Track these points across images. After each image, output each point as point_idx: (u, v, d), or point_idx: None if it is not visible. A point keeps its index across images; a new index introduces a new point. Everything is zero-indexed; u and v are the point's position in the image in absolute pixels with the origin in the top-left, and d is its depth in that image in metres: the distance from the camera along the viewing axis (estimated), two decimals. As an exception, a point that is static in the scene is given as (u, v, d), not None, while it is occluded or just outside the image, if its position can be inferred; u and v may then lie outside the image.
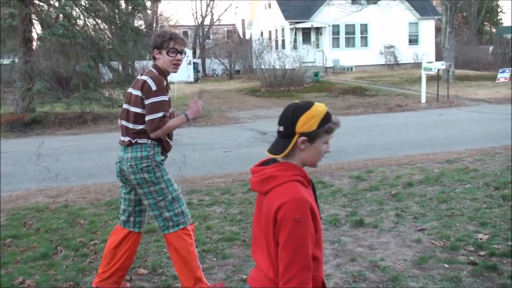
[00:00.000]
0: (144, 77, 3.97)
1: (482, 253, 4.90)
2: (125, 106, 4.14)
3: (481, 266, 4.57)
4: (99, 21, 18.97)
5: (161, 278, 4.71)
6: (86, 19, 18.54)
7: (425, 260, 4.78)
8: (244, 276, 4.63)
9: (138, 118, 3.97)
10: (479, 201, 6.63)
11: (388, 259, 4.88)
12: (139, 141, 3.98)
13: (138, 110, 3.97)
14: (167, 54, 4.01)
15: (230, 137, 13.82)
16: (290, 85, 27.50)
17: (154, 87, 3.92)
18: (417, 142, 11.82)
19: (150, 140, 4.00)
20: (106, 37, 19.40)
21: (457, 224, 5.79)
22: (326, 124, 2.21)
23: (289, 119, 2.20)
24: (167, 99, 4.01)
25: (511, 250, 4.89)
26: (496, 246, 5.04)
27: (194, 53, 48.39)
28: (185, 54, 4.16)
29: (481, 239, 5.26)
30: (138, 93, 3.96)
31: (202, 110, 4.23)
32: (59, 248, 5.59)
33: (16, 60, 18.63)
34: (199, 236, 5.70)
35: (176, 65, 4.08)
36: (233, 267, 4.88)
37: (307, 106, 2.23)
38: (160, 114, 3.91)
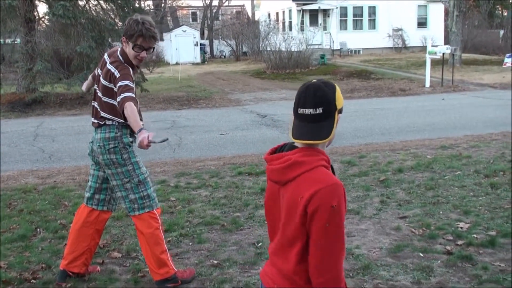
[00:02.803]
0: (108, 66, 3.96)
1: (460, 242, 4.83)
2: (96, 87, 4.12)
3: (456, 256, 4.51)
4: (101, 1, 18.84)
5: (134, 262, 4.69)
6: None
7: (400, 249, 4.72)
8: (215, 262, 4.59)
9: (106, 106, 3.99)
10: (467, 189, 6.55)
11: (364, 247, 4.82)
12: (107, 122, 4.00)
13: (106, 99, 3.98)
14: (132, 49, 3.92)
15: (228, 120, 13.75)
16: (295, 68, 27.33)
17: (117, 74, 3.90)
18: (416, 127, 11.71)
19: (117, 122, 3.99)
20: (108, 17, 19.27)
21: (440, 212, 5.72)
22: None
23: (328, 98, 2.06)
24: (131, 84, 3.91)
25: (489, 240, 4.82)
26: (475, 235, 4.97)
27: (202, 34, 48.24)
28: (153, 50, 4.09)
29: (461, 228, 5.19)
30: (106, 83, 3.95)
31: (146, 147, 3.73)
32: (38, 229, 5.59)
33: (18, 40, 18.59)
34: (179, 220, 5.67)
35: (139, 61, 4.02)
36: (207, 252, 4.85)
37: (332, 84, 2.12)
38: (127, 81, 3.87)
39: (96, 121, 4.06)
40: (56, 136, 12.10)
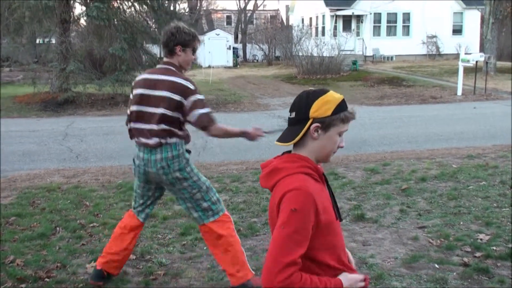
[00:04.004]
0: (172, 78, 3.88)
1: (478, 254, 4.74)
2: (137, 108, 3.99)
3: (473, 268, 4.42)
4: (135, 3, 19.08)
5: (147, 264, 4.72)
6: (121, 0, 18.66)
7: (416, 259, 4.65)
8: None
9: (164, 119, 3.88)
10: (491, 200, 6.42)
11: (379, 256, 4.77)
12: (169, 141, 3.91)
13: (169, 112, 3.87)
14: (192, 53, 4.01)
15: (255, 124, 13.74)
16: (327, 73, 27.19)
17: (192, 86, 3.88)
18: (444, 135, 11.54)
19: (179, 139, 3.95)
20: (141, 19, 19.52)
21: (461, 223, 5.62)
22: (342, 112, 2.10)
23: (302, 104, 2.09)
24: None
25: (509, 252, 4.71)
26: (494, 247, 4.86)
27: (236, 38, 48.41)
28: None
29: (481, 239, 5.09)
30: (169, 94, 3.85)
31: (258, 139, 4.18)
32: (58, 228, 5.67)
33: (53, 40, 18.96)
34: (196, 224, 5.68)
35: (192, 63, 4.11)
36: (220, 257, 4.84)
37: (323, 91, 2.12)
38: (207, 109, 3.91)
39: (151, 141, 3.91)
40: (84, 136, 12.28)
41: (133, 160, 4.13)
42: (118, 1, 18.75)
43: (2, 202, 6.71)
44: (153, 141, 3.90)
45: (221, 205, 4.18)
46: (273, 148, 10.55)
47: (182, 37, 3.94)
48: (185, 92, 3.85)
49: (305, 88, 2.39)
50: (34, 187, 7.53)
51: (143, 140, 3.95)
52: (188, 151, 4.08)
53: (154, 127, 3.90)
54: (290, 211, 1.96)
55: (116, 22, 17.59)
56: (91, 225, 5.79)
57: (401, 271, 4.44)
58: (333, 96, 2.10)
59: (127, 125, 4.13)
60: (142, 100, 3.95)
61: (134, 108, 4.00)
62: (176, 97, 3.84)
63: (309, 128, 2.08)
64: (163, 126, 3.87)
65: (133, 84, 4.12)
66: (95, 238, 5.42)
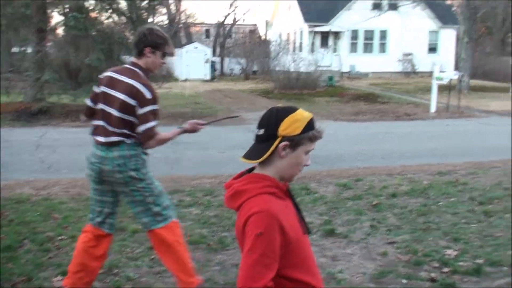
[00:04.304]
0: (131, 81, 3.87)
1: (445, 269, 4.78)
2: (102, 106, 3.96)
3: (440, 283, 4.46)
4: (113, 15, 19.02)
5: (114, 278, 4.67)
6: (100, 11, 18.58)
7: (384, 275, 4.68)
8: (195, 281, 4.57)
9: (121, 120, 3.89)
10: (459, 216, 6.49)
11: (347, 272, 4.78)
12: (126, 140, 3.91)
13: (127, 116, 3.88)
14: (161, 57, 4.01)
15: (229, 138, 13.77)
16: (303, 88, 27.34)
17: (148, 95, 3.87)
18: (417, 152, 11.66)
19: (134, 139, 3.94)
20: (119, 31, 19.46)
21: (430, 239, 5.66)
22: (310, 131, 2.10)
23: (271, 121, 2.09)
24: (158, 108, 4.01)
25: (475, 268, 4.76)
26: (461, 263, 4.91)
27: (214, 51, 48.50)
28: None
29: (449, 255, 5.14)
30: (127, 99, 3.84)
31: (198, 131, 4.21)
32: (25, 241, 5.59)
33: (29, 49, 18.79)
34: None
35: (161, 68, 4.12)
36: (189, 271, 4.81)
37: (292, 109, 2.12)
38: (154, 123, 3.92)
39: (107, 139, 3.91)
40: (57, 147, 12.14)
41: (88, 159, 4.08)
42: (96, 12, 18.66)
43: (-31, 213, 6.60)
44: (111, 139, 3.90)
45: (171, 211, 4.18)
46: (246, 164, 10.49)
47: (153, 39, 3.94)
48: (141, 99, 3.85)
49: (281, 103, 2.40)
50: (3, 199, 7.40)
51: (102, 138, 3.94)
52: (145, 153, 4.08)
53: (112, 126, 3.90)
54: (255, 236, 1.97)
55: (93, 33, 17.50)
56: (59, 238, 5.71)
57: (369, 286, 4.46)
58: (302, 115, 2.11)
59: (86, 115, 4.14)
60: (104, 98, 3.95)
61: (98, 106, 4.00)
62: (132, 101, 3.85)
63: (277, 146, 2.07)
64: (120, 127, 3.88)
65: (99, 79, 4.08)
66: (62, 251, 5.34)
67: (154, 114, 3.93)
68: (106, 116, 3.93)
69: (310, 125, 2.10)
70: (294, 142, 2.08)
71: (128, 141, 3.91)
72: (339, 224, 6.20)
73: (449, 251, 5.25)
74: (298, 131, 2.07)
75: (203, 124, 4.20)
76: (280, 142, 2.07)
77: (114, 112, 3.89)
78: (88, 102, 4.10)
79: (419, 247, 5.40)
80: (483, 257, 5.08)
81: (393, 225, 6.15)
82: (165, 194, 4.18)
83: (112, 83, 3.93)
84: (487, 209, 6.70)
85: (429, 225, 6.12)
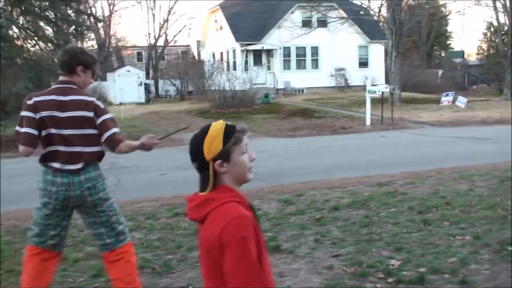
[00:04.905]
0: (82, 97, 3.85)
1: (390, 280, 4.83)
2: (55, 131, 3.81)
3: (386, 293, 4.50)
4: (39, 42, 18.56)
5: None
6: (24, 39, 18.09)
7: (331, 288, 4.68)
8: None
9: (87, 138, 3.84)
10: (400, 226, 6.60)
11: (295, 287, 4.76)
12: (91, 161, 3.86)
13: (86, 131, 3.84)
14: (91, 77, 3.99)
15: (170, 159, 13.61)
16: (240, 107, 27.46)
17: (102, 105, 3.91)
18: (355, 164, 11.85)
19: (96, 158, 3.92)
20: (48, 57, 18.99)
21: (373, 250, 5.73)
22: (231, 136, 2.12)
23: (196, 151, 2.13)
24: None
25: (418, 277, 4.84)
26: (405, 272, 4.98)
27: (148, 74, 48.11)
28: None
29: (392, 265, 5.20)
30: (82, 113, 3.81)
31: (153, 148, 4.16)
32: (-43, 279, 5.30)
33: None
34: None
35: (87, 86, 4.06)
36: (134, 299, 4.68)
37: (205, 131, 2.14)
38: (116, 129, 3.95)
39: (76, 166, 3.79)
40: (-12, 179, 11.65)
41: (43, 189, 3.88)
42: (21, 39, 18.15)
43: None
44: (78, 165, 3.80)
45: (127, 229, 4.19)
46: (189, 183, 10.45)
47: (85, 58, 3.90)
48: (96, 110, 3.85)
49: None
50: None
51: (65, 165, 3.79)
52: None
53: (76, 149, 3.80)
54: (241, 240, 1.96)
55: (19, 61, 17.00)
56: (-4, 273, 5.45)
57: (317, 301, 4.46)
58: (215, 128, 2.14)
59: (27, 145, 3.81)
60: (54, 122, 3.80)
61: (46, 132, 3.82)
62: (90, 114, 3.83)
63: (214, 169, 2.10)
64: (85, 148, 3.83)
65: (30, 104, 3.82)
66: (1, 286, 5.10)
67: (113, 122, 3.94)
68: (64, 139, 3.81)
69: (228, 133, 2.14)
70: (224, 156, 2.11)
71: (92, 161, 3.87)
72: (284, 240, 6.19)
73: (392, 261, 5.32)
74: (220, 145, 2.11)
75: (158, 139, 4.16)
76: (213, 164, 2.11)
77: (73, 131, 3.81)
78: (29, 130, 3.81)
79: (363, 258, 5.45)
80: (426, 265, 5.17)
81: (337, 238, 6.19)
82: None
83: (60, 105, 3.81)
84: (426, 218, 6.85)
85: (372, 236, 6.20)
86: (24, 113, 3.85)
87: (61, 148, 3.82)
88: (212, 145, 2.10)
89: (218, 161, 2.10)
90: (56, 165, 3.81)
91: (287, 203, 8.02)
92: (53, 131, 3.81)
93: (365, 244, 5.92)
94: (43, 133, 3.84)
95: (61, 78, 3.92)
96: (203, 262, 2.16)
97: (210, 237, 2.05)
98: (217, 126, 2.14)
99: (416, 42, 52.70)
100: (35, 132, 3.82)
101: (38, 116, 3.81)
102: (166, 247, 6.13)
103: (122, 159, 13.42)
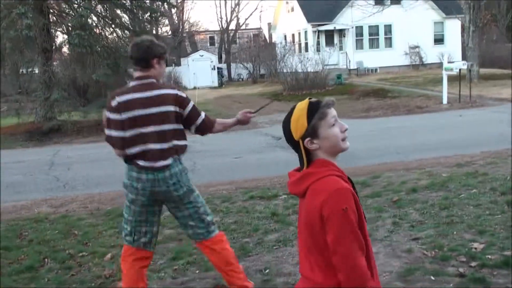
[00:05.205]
0: (164, 91, 3.85)
1: (473, 264, 4.67)
2: (140, 130, 3.80)
3: (469, 278, 4.36)
4: (117, 29, 19.08)
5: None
6: (103, 27, 18.64)
7: (411, 272, 4.58)
8: (220, 291, 4.51)
9: (172, 134, 3.86)
10: (482, 208, 6.37)
11: (374, 271, 4.69)
12: (175, 156, 3.89)
13: (173, 126, 3.86)
14: (166, 65, 4.06)
15: (243, 143, 13.73)
16: (312, 88, 27.23)
17: (184, 95, 3.97)
18: (432, 145, 11.54)
19: (178, 151, 3.93)
20: (124, 44, 19.50)
21: (454, 233, 5.56)
22: (315, 113, 2.16)
23: (286, 134, 2.22)
24: None
25: (504, 260, 4.66)
26: (489, 256, 4.80)
27: (220, 58, 48.54)
28: None
29: (475, 248, 5.03)
30: (167, 108, 3.81)
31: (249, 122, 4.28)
32: (46, 260, 5.56)
33: (36, 69, 18.91)
34: (187, 247, 5.60)
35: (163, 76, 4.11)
36: (213, 280, 4.76)
37: (290, 112, 2.22)
38: (204, 114, 4.09)
39: (163, 163, 3.82)
40: (71, 164, 12.17)
41: (129, 185, 3.90)
42: (99, 28, 18.72)
43: (-12, 236, 6.59)
44: (165, 162, 3.82)
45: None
46: (262, 167, 10.55)
47: (158, 50, 3.90)
48: (181, 102, 3.89)
49: (291, 105, 2.46)
50: (21, 219, 7.41)
51: (149, 162, 3.81)
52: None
53: (164, 146, 3.82)
54: (342, 212, 2.02)
55: (98, 49, 17.55)
56: (80, 254, 5.68)
57: (397, 285, 4.37)
58: (299, 108, 2.19)
59: (120, 148, 3.85)
60: (142, 121, 3.79)
61: (133, 131, 3.80)
62: (175, 108, 3.85)
63: (305, 147, 2.17)
64: (174, 142, 3.86)
65: (114, 106, 3.81)
66: (84, 267, 5.31)
67: (197, 107, 4.03)
68: (149, 136, 3.80)
69: (311, 110, 2.17)
70: (312, 132, 2.16)
71: (175, 156, 3.88)
72: (361, 223, 6.11)
73: (475, 244, 5.14)
74: (305, 123, 2.16)
75: (252, 113, 4.20)
76: (303, 143, 2.17)
77: (164, 127, 3.82)
78: (117, 134, 3.80)
79: (444, 242, 5.30)
80: (511, 249, 4.97)
81: (415, 221, 6.05)
82: None
83: (143, 103, 3.78)
84: (509, 199, 6.57)
85: (452, 219, 6.01)
86: (109, 114, 3.83)
87: (146, 146, 3.81)
88: (298, 125, 2.17)
89: (307, 139, 2.16)
90: (141, 162, 3.82)
91: (363, 186, 7.92)
92: (137, 129, 3.80)
93: (446, 227, 5.75)
94: (128, 132, 3.81)
95: (138, 74, 3.89)
96: (301, 235, 2.22)
97: (310, 210, 2.11)
98: (301, 106, 2.19)
99: (494, 15, 50.43)
100: (121, 133, 3.82)
101: (123, 116, 3.79)
102: (243, 230, 6.19)
103: (197, 143, 13.69)
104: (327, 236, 2.05)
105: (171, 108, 3.83)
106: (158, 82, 3.93)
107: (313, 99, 2.21)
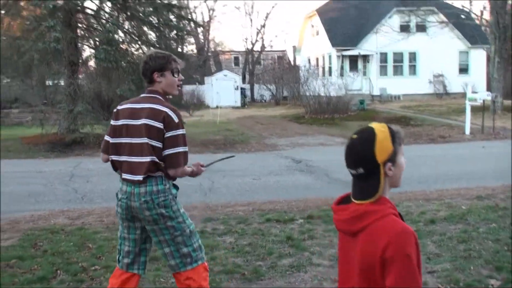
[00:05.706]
0: (152, 105, 3.72)
1: (489, 300, 4.59)
2: (120, 140, 3.81)
3: (485, 315, 4.28)
4: (143, 46, 19.31)
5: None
6: (129, 43, 18.89)
7: (426, 305, 4.51)
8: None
9: (149, 149, 3.69)
10: (501, 243, 6.26)
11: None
12: (155, 174, 3.72)
13: (155, 142, 3.70)
14: (173, 75, 3.83)
15: (263, 164, 13.70)
16: (334, 113, 27.23)
17: (175, 118, 3.72)
18: (454, 175, 11.43)
19: (162, 172, 3.76)
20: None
21: (471, 268, 5.46)
22: (395, 137, 2.11)
23: (364, 155, 2.07)
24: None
25: (521, 298, 4.56)
26: (506, 293, 4.72)
27: (244, 78, 48.81)
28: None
29: (492, 285, 4.94)
30: (149, 121, 3.69)
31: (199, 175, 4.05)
32: (59, 271, 5.57)
33: (62, 82, 19.19)
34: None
35: (179, 86, 3.92)
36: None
37: (371, 133, 2.09)
38: (183, 148, 3.76)
39: (136, 177, 3.70)
40: (91, 176, 12.25)
41: (116, 194, 3.92)
42: (126, 44, 18.96)
43: (4, 244, 6.63)
44: (138, 176, 3.69)
45: (202, 253, 3.95)
46: (280, 189, 10.53)
47: (157, 63, 3.79)
48: (167, 123, 3.70)
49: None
50: (38, 229, 7.45)
51: (126, 175, 3.76)
52: (176, 187, 3.90)
53: (140, 159, 3.70)
54: (406, 256, 1.94)
55: (123, 64, 17.77)
56: (93, 268, 5.68)
57: (410, 318, 4.29)
58: (381, 130, 2.10)
59: (103, 151, 3.93)
60: (127, 131, 3.77)
61: (116, 140, 3.81)
62: (158, 124, 3.68)
63: (385, 171, 2.07)
64: (147, 154, 3.68)
65: (114, 112, 3.92)
66: (96, 281, 5.30)
67: (183, 139, 3.77)
68: (130, 149, 3.75)
69: (393, 133, 2.11)
70: (393, 158, 2.09)
71: (155, 174, 3.72)
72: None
73: (492, 281, 5.05)
74: (391, 146, 2.08)
75: (203, 166, 4.02)
76: (384, 167, 2.07)
77: (139, 140, 3.70)
78: (106, 138, 3.91)
79: (460, 276, 5.21)
80: (529, 286, 4.87)
81: (432, 253, 5.97)
82: (196, 234, 3.97)
83: (133, 113, 3.77)
84: (530, 235, 6.46)
85: (470, 253, 5.91)
86: (111, 120, 3.95)
87: (128, 157, 3.77)
88: (384, 147, 2.06)
89: (389, 165, 2.07)
90: (123, 173, 3.80)
91: (380, 214, 7.82)
92: (121, 138, 3.80)
93: (463, 261, 5.66)
94: (114, 139, 3.83)
95: (148, 87, 3.90)
96: (352, 279, 2.11)
97: (370, 252, 2.00)
98: (382, 128, 2.11)
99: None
100: (108, 138, 3.89)
101: (115, 123, 3.85)
102: (257, 253, 6.14)
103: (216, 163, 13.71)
104: (386, 279, 1.96)
105: (156, 124, 3.68)
106: (161, 97, 3.83)
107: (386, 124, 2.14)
